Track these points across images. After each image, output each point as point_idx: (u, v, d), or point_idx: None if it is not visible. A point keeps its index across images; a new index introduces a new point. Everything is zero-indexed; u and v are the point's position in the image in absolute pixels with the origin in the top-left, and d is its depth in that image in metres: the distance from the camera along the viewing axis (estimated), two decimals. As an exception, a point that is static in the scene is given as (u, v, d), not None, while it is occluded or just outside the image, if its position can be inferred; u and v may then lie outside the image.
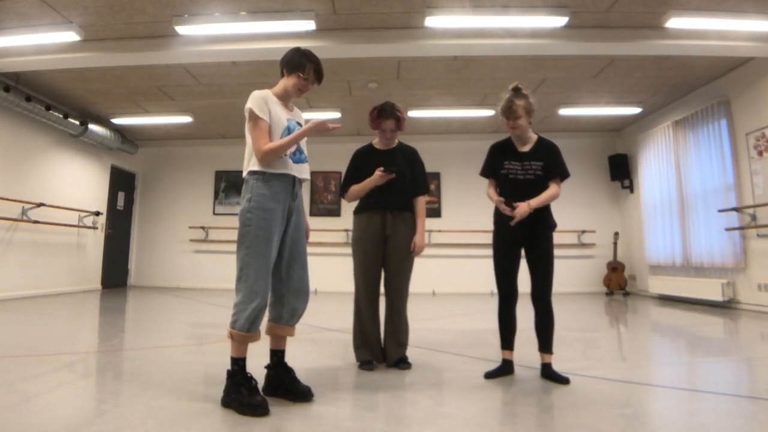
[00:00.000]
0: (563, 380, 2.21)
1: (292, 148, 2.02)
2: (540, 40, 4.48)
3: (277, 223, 1.95)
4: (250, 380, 1.87)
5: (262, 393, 1.88)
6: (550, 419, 1.75)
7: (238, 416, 1.74)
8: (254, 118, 1.95)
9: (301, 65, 2.06)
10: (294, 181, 2.04)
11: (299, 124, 2.09)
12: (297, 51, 2.11)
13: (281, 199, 1.97)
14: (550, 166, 2.40)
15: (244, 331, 1.86)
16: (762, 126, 5.04)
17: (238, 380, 1.85)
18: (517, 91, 2.39)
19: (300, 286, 2.05)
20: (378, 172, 2.57)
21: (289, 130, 1.99)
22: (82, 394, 2.07)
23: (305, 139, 2.14)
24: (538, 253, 2.34)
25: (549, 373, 2.28)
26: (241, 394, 1.81)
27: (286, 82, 2.09)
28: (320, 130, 1.95)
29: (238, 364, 1.89)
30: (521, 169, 2.40)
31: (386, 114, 2.66)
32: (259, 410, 1.76)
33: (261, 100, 1.98)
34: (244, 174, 2.01)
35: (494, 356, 2.80)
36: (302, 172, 2.08)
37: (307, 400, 1.92)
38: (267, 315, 2.05)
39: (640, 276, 7.39)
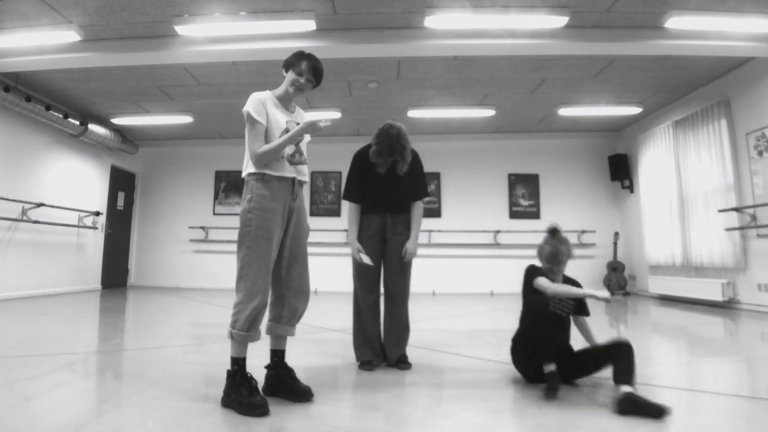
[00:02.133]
0: (657, 412, 1.71)
1: (290, 150, 2.03)
2: (540, 40, 4.48)
3: (278, 223, 1.96)
4: (250, 380, 1.87)
5: (262, 393, 1.88)
6: (550, 419, 1.75)
7: (238, 416, 1.74)
8: (250, 120, 1.96)
9: (296, 63, 2.08)
10: (293, 183, 2.04)
11: (299, 125, 2.08)
12: (295, 53, 2.13)
13: (281, 199, 1.98)
14: (582, 304, 2.31)
15: (244, 331, 1.87)
16: (762, 126, 5.04)
17: (238, 380, 1.85)
18: (554, 233, 2.29)
19: (300, 286, 2.05)
20: (360, 255, 2.57)
21: (287, 132, 1.99)
22: (82, 394, 2.07)
23: (305, 140, 2.15)
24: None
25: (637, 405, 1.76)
26: (241, 394, 1.81)
27: (285, 82, 2.10)
28: (312, 129, 1.94)
29: (238, 364, 1.89)
30: (566, 307, 2.15)
31: (391, 153, 2.61)
32: (259, 410, 1.76)
33: (258, 103, 1.98)
34: (243, 175, 2.01)
35: (494, 356, 2.80)
36: (301, 173, 2.08)
37: (307, 400, 1.92)
38: (267, 315, 2.05)
39: (640, 276, 7.38)
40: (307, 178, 2.12)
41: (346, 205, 8.80)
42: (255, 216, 1.92)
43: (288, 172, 2.01)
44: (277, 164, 1.98)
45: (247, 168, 2.00)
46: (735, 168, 5.39)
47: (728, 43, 4.54)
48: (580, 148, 8.11)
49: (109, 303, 5.90)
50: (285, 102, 2.10)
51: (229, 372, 1.90)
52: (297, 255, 2.05)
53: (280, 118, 2.02)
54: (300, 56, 2.09)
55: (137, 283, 8.50)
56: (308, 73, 2.07)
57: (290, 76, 2.07)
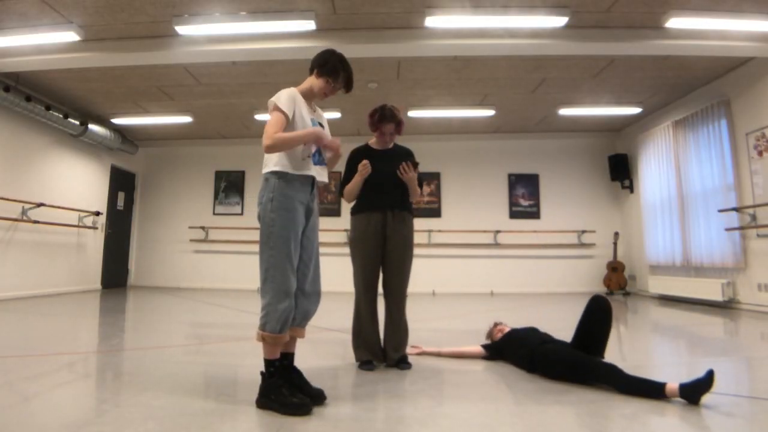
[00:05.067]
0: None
1: (312, 149, 2.02)
2: (540, 40, 4.48)
3: (301, 222, 1.95)
4: (290, 379, 1.89)
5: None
6: (550, 419, 1.75)
7: (238, 416, 1.74)
8: (276, 110, 1.93)
9: (334, 72, 2.06)
10: (313, 182, 2.03)
11: (321, 125, 2.08)
12: (334, 55, 2.09)
13: (303, 199, 1.97)
14: None
15: (275, 333, 1.86)
16: (762, 126, 5.04)
17: (276, 381, 1.85)
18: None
19: (313, 287, 2.05)
20: (361, 164, 2.52)
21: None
22: (82, 394, 2.07)
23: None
24: None
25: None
26: (282, 395, 1.81)
27: (312, 82, 2.08)
28: (323, 143, 1.99)
29: (273, 365, 1.89)
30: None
31: (387, 118, 2.67)
32: (303, 409, 1.77)
33: (288, 97, 1.96)
34: (264, 171, 1.98)
35: (494, 356, 2.79)
36: (321, 174, 2.07)
37: (320, 403, 1.89)
38: None
39: (640, 276, 7.38)
40: (326, 179, 2.11)
41: (346, 205, 8.79)
42: (278, 216, 1.89)
43: (310, 171, 2.00)
44: (300, 163, 1.96)
45: (269, 165, 1.96)
46: (735, 168, 5.39)
47: (728, 43, 4.54)
48: (580, 148, 8.11)
49: (109, 303, 5.90)
50: (307, 100, 2.09)
51: (263, 374, 1.89)
52: (312, 256, 2.04)
53: (306, 116, 2.00)
54: (339, 64, 2.07)
55: (137, 283, 8.50)
56: (342, 86, 2.11)
57: (321, 81, 2.06)
